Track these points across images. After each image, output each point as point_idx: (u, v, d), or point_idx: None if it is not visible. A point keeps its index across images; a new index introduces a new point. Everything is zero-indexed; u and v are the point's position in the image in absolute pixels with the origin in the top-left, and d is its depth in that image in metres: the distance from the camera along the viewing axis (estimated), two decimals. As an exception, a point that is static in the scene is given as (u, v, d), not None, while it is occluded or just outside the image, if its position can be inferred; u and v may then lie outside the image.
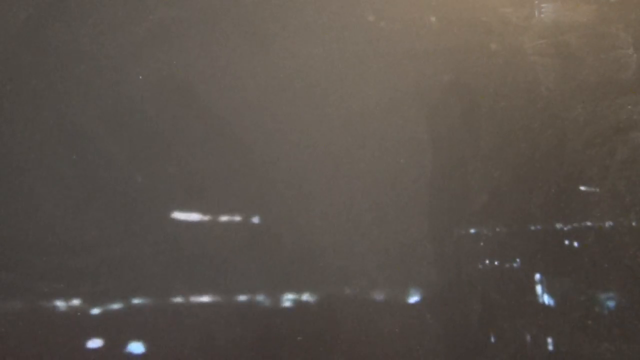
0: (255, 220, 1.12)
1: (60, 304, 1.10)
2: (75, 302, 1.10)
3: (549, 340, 1.12)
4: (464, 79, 1.14)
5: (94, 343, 1.10)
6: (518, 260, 1.13)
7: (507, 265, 1.13)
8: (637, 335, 1.12)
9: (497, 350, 1.13)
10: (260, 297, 1.12)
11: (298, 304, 1.12)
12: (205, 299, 1.11)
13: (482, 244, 1.13)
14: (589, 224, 1.13)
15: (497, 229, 1.14)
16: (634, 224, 1.13)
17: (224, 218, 1.12)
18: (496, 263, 1.13)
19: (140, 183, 1.12)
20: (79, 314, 1.10)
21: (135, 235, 1.11)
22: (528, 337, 1.12)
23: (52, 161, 1.11)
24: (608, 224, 1.13)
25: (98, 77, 1.12)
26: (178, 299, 1.11)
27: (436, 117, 1.14)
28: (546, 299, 1.13)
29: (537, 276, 1.13)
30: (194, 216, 1.12)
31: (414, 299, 1.13)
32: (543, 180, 1.14)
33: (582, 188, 1.12)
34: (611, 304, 1.12)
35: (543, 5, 1.15)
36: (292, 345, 1.11)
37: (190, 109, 1.13)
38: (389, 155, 1.13)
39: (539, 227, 1.13)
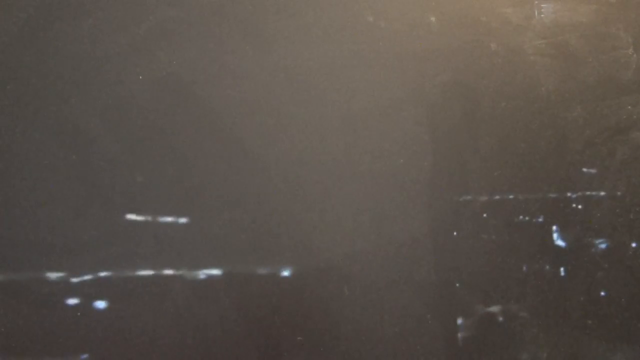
0: (255, 220, 1.12)
1: (60, 303, 1.10)
2: (75, 302, 1.10)
3: (549, 340, 1.12)
4: (464, 79, 1.14)
5: (94, 343, 1.10)
6: (518, 260, 1.13)
7: (507, 266, 1.13)
8: (637, 335, 1.12)
9: (497, 350, 1.13)
10: (259, 297, 1.12)
11: (298, 303, 1.12)
12: (204, 298, 1.11)
13: (482, 243, 1.13)
14: (588, 223, 1.13)
15: (497, 229, 1.14)
16: (634, 224, 1.13)
17: (223, 218, 1.12)
18: (496, 263, 1.13)
19: (140, 183, 1.12)
20: (79, 314, 1.10)
21: (135, 235, 1.11)
22: (528, 337, 1.12)
23: (52, 161, 1.11)
24: (608, 224, 1.13)
25: (98, 77, 1.12)
26: (177, 299, 1.11)
27: (436, 117, 1.14)
28: (546, 299, 1.13)
29: (537, 276, 1.13)
30: (193, 216, 1.12)
31: (413, 298, 1.13)
32: (543, 180, 1.14)
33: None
34: (611, 304, 1.12)
35: (543, 5, 1.15)
36: (292, 345, 1.11)
37: (190, 109, 1.13)
38: (389, 155, 1.13)
39: (538, 227, 1.13)
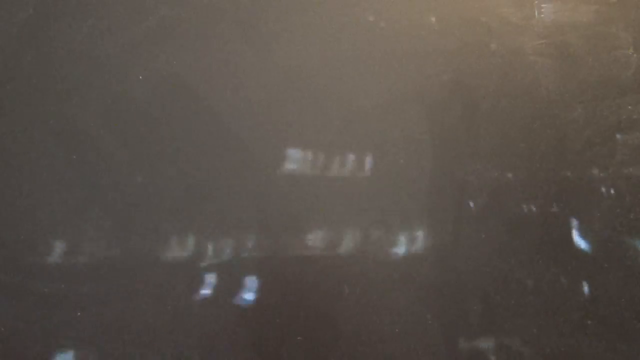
0: (256, 220, 1.12)
1: (60, 304, 1.10)
2: (75, 301, 1.10)
3: (549, 340, 1.12)
4: (464, 79, 1.14)
5: (94, 343, 1.10)
6: (518, 261, 1.13)
7: (507, 266, 1.13)
8: (637, 335, 1.12)
9: (497, 350, 1.13)
10: (260, 298, 1.12)
11: (298, 303, 1.12)
12: (205, 297, 1.11)
13: (482, 244, 1.13)
14: (588, 224, 1.13)
15: (497, 229, 1.14)
16: (634, 224, 1.13)
17: (224, 219, 1.12)
18: (496, 264, 1.13)
19: (140, 183, 1.12)
20: (79, 314, 1.10)
21: (135, 235, 1.11)
22: (528, 338, 1.12)
23: (52, 161, 1.11)
24: (608, 223, 1.13)
25: (98, 77, 1.12)
26: (178, 300, 1.11)
27: (436, 117, 1.14)
28: (546, 300, 1.13)
29: (537, 276, 1.13)
30: (194, 217, 1.12)
31: (414, 298, 1.13)
32: (543, 180, 1.14)
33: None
34: (611, 303, 1.12)
35: (543, 5, 1.15)
36: (292, 345, 1.11)
37: (190, 109, 1.13)
38: (389, 155, 1.13)
39: (539, 227, 1.13)
